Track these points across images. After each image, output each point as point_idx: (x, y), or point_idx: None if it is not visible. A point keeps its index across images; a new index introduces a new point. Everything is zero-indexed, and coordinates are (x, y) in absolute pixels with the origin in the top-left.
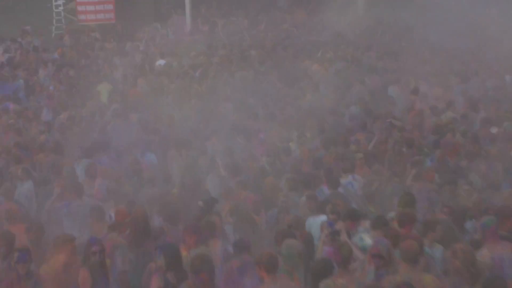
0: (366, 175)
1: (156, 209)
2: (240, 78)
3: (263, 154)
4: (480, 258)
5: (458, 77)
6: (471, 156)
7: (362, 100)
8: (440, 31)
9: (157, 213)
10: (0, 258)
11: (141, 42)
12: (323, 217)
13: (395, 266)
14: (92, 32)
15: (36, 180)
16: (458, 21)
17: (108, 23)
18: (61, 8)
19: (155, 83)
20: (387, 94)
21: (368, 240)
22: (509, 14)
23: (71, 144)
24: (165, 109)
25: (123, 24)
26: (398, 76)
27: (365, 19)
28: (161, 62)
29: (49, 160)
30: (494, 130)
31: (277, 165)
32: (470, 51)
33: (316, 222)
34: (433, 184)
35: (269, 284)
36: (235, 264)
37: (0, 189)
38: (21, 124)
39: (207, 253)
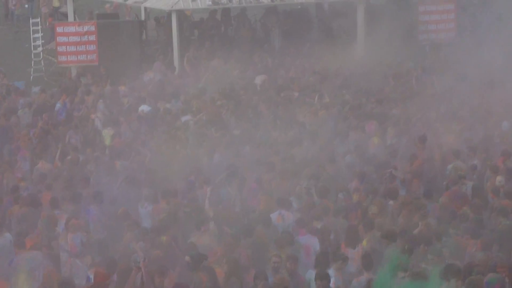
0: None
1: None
2: (233, 123)
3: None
4: None
5: (462, 124)
6: (478, 210)
7: (359, 148)
8: (445, 73)
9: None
10: None
11: (125, 86)
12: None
13: None
14: (71, 74)
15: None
16: (465, 63)
17: (91, 64)
18: (40, 48)
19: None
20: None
21: None
22: None
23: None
24: (153, 157)
25: (106, 66)
26: (398, 121)
27: (366, 60)
28: (144, 107)
29: (22, 212)
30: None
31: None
32: (478, 95)
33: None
34: None
35: None
36: None
37: None
38: None
39: None
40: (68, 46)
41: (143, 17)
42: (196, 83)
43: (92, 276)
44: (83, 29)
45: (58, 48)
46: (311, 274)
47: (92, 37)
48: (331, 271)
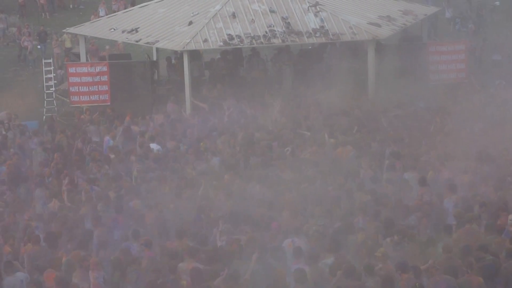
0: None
1: None
2: (248, 164)
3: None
4: None
5: (475, 161)
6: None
7: (361, 186)
8: (454, 114)
9: None
10: None
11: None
12: None
13: None
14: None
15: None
16: (471, 102)
17: (103, 104)
18: (53, 89)
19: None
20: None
21: None
22: None
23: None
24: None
25: (118, 106)
26: (413, 162)
27: (375, 100)
28: (153, 146)
29: (35, 251)
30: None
31: None
32: (484, 133)
33: None
34: None
35: None
36: None
37: None
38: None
39: None
40: (80, 87)
41: (155, 57)
42: (208, 123)
43: None
44: (95, 69)
45: (71, 88)
46: None
47: (104, 78)
48: None
